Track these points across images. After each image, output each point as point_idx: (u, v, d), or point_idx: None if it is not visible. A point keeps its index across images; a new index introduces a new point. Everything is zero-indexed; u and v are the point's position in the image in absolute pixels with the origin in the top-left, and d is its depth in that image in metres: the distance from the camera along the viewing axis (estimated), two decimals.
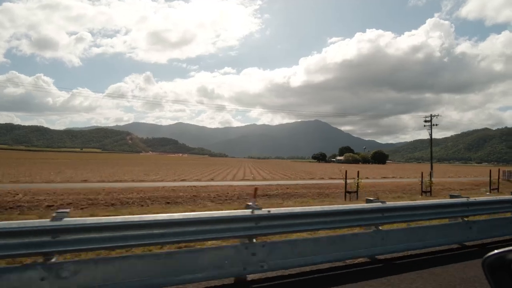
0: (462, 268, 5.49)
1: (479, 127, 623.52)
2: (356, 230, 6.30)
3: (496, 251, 1.48)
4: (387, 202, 6.33)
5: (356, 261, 5.73)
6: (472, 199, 7.37)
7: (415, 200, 13.78)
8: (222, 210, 7.44)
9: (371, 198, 6.59)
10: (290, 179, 33.09)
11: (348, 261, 5.63)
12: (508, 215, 8.07)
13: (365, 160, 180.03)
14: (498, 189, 22.99)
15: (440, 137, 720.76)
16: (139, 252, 4.93)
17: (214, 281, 4.58)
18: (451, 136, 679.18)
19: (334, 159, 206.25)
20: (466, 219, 7.10)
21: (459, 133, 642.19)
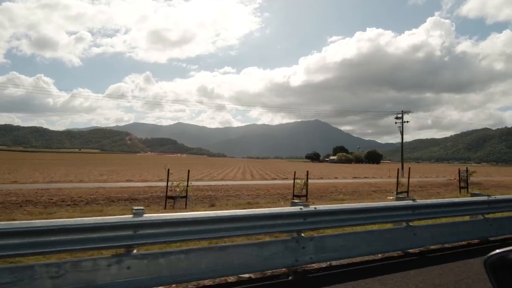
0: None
1: (479, 127, 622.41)
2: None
3: (498, 250, 1.48)
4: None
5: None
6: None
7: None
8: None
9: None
10: (253, 180, 32.28)
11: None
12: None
13: (358, 160, 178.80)
14: (408, 192, 19.66)
15: (440, 137, 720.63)
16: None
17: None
18: (451, 136, 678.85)
19: (328, 159, 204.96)
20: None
21: (459, 133, 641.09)
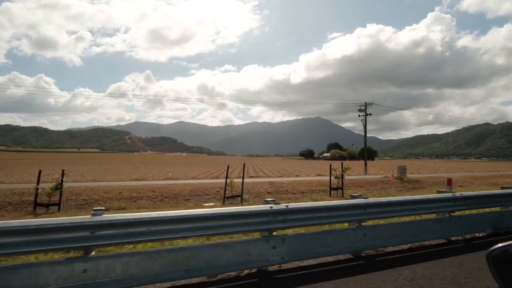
0: None
1: (480, 122, 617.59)
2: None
3: (500, 244, 1.48)
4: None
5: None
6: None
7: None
8: None
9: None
10: (198, 179, 28.65)
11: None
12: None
13: (352, 157, 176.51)
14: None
15: (441, 133, 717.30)
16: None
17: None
18: (452, 131, 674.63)
19: (321, 156, 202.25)
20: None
21: (460, 128, 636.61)
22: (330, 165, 20.04)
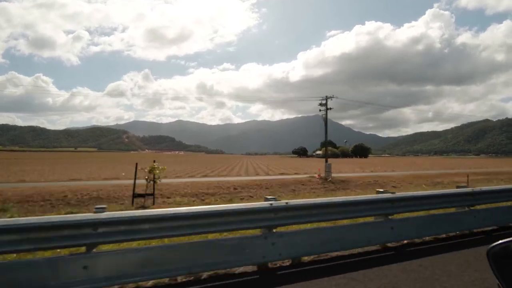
0: None
1: (480, 118, 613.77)
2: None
3: (501, 241, 1.49)
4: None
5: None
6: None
7: None
8: None
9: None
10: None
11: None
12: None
13: (345, 154, 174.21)
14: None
15: (441, 130, 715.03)
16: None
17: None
18: (451, 128, 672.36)
19: (314, 154, 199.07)
20: None
21: (460, 125, 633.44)
22: (136, 164, 15.67)
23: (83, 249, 4.19)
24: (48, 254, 4.51)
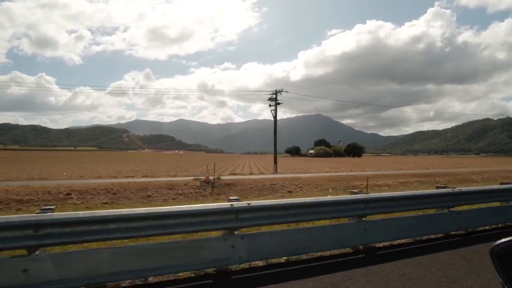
0: None
1: (481, 117, 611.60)
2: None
3: (503, 239, 1.48)
4: None
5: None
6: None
7: None
8: None
9: None
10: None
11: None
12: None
13: (337, 153, 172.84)
14: None
15: (441, 129, 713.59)
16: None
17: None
18: (452, 127, 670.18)
19: (308, 153, 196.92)
20: None
21: (460, 124, 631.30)
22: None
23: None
24: None
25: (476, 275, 4.70)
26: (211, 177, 18.65)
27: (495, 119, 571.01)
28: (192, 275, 4.75)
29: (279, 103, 37.11)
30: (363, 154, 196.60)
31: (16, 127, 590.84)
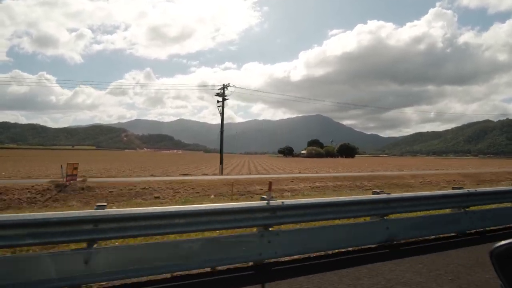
0: None
1: (480, 119, 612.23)
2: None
3: (503, 242, 1.49)
4: None
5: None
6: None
7: None
8: None
9: None
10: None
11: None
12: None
13: (330, 154, 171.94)
14: None
15: (441, 130, 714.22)
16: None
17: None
18: (452, 128, 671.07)
19: (300, 154, 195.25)
20: None
21: (460, 125, 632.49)
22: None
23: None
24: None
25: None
26: (62, 179, 15.78)
27: (495, 120, 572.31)
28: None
29: (227, 99, 36.34)
30: (356, 155, 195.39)
31: (15, 125, 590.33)
